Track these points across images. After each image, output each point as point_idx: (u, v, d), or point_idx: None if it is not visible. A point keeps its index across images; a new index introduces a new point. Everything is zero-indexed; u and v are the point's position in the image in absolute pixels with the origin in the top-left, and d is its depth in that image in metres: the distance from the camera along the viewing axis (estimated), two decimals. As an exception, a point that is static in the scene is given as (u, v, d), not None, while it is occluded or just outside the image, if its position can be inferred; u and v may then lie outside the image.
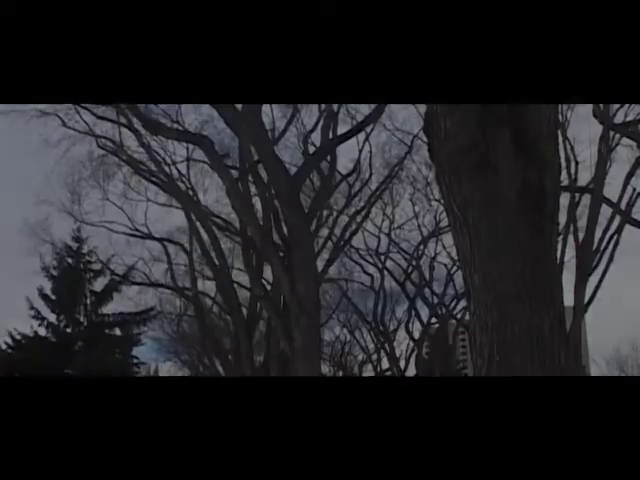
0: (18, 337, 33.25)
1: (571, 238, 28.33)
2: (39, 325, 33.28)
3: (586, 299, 27.36)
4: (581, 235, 27.98)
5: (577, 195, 29.44)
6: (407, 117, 51.32)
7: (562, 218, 24.93)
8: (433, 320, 46.77)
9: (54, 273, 33.88)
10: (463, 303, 41.87)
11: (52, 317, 33.47)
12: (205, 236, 32.54)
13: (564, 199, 24.90)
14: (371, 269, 44.53)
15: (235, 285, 33.84)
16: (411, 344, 48.37)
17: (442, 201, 6.28)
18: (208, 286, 41.37)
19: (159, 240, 38.40)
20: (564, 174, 26.69)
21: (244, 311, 33.22)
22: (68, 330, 33.46)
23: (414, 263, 43.60)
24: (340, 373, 59.05)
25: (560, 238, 25.18)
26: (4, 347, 33.77)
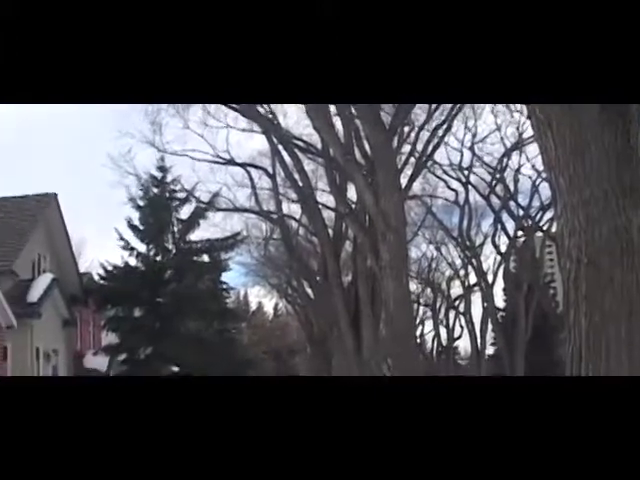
0: (110, 268, 33.95)
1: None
2: (129, 255, 33.95)
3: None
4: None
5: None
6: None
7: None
8: (519, 233, 46.49)
9: (141, 204, 34.33)
10: (549, 214, 41.54)
11: (141, 247, 34.12)
12: (288, 159, 32.57)
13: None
14: (455, 184, 44.35)
15: (320, 206, 33.94)
16: (498, 258, 48.31)
17: (524, 109, 6.24)
18: (293, 209, 41.78)
19: (242, 165, 38.46)
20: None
21: (330, 231, 33.36)
22: (157, 259, 34.05)
23: (498, 176, 43.19)
24: (428, 290, 59.37)
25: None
26: (97, 278, 34.60)
